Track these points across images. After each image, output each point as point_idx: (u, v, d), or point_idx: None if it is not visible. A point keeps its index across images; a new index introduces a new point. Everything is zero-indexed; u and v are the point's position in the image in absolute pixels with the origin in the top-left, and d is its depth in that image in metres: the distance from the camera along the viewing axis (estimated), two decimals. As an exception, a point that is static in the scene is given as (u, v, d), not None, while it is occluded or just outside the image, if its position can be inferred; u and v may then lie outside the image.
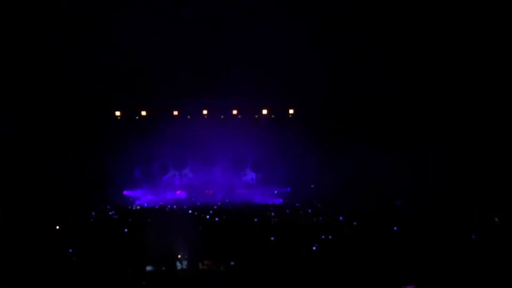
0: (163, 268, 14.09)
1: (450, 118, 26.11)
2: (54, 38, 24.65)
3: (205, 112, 32.52)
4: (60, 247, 15.35)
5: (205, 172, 34.19)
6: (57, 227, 19.34)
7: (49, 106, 27.07)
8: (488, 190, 22.33)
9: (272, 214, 23.40)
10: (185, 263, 14.50)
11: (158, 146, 32.05)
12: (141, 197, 31.97)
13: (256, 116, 33.03)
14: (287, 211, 25.33)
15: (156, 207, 28.18)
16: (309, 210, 25.09)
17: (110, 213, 24.86)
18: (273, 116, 33.01)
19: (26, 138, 26.37)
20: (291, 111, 32.57)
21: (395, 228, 18.25)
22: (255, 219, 21.32)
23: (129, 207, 29.41)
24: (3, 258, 13.65)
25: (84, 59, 26.21)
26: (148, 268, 14.07)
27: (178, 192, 33.56)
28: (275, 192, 32.23)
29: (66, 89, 27.20)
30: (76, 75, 26.37)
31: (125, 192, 31.35)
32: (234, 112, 32.71)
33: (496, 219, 18.40)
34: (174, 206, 27.33)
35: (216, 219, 21.65)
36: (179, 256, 14.51)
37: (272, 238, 16.87)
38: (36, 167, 26.44)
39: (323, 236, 17.08)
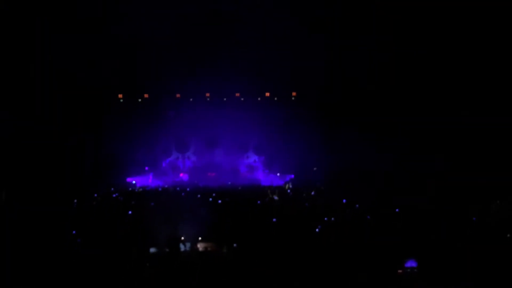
0: (167, 250, 14.19)
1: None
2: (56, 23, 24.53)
3: (207, 94, 32.42)
4: (64, 230, 15.45)
5: (208, 155, 34.22)
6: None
7: (47, 92, 27.02)
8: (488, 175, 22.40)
9: (275, 198, 23.50)
10: (188, 245, 14.60)
11: (161, 129, 32.05)
12: (144, 181, 32.04)
13: (259, 98, 32.92)
14: (290, 193, 25.44)
15: (159, 189, 28.29)
16: (312, 193, 25.19)
17: (114, 195, 24.99)
18: (275, 98, 32.89)
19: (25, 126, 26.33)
20: (294, 94, 32.43)
21: (396, 210, 18.34)
22: (258, 201, 21.42)
23: (131, 188, 29.56)
24: (10, 240, 13.75)
25: (86, 42, 26.05)
26: (152, 250, 14.18)
27: (181, 174, 33.63)
28: (278, 174, 32.27)
29: (68, 72, 27.05)
30: (78, 58, 26.20)
31: (128, 179, 31.37)
32: (237, 94, 32.59)
33: (496, 204, 18.42)
34: (177, 189, 27.43)
35: (219, 201, 21.73)
36: (183, 238, 14.61)
37: (274, 220, 16.96)
38: (38, 150, 26.44)
39: (325, 218, 17.18)
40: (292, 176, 32.15)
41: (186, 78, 29.91)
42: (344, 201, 21.41)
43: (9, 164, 24.15)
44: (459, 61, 25.45)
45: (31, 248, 12.77)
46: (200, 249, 14.70)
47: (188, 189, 26.73)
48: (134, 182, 31.30)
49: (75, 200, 21.96)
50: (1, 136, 24.45)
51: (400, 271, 10.70)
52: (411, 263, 10.57)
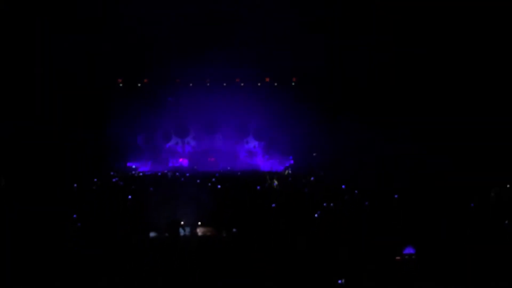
0: (166, 234, 14.26)
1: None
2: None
3: (207, 80, 32.31)
4: (65, 214, 15.50)
5: (208, 140, 34.22)
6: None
7: (47, 75, 26.96)
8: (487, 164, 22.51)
9: (275, 183, 23.53)
10: (187, 229, 14.67)
11: (161, 114, 31.99)
12: (144, 166, 32.06)
13: (259, 84, 32.81)
14: (290, 179, 25.49)
15: (159, 174, 28.32)
16: (311, 178, 25.24)
17: (114, 180, 25.03)
18: (275, 84, 32.80)
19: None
20: (293, 79, 32.34)
21: (395, 196, 18.38)
22: (257, 187, 21.46)
23: (132, 172, 29.61)
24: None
25: (86, 26, 25.91)
26: (152, 234, 14.25)
27: (180, 159, 33.65)
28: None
29: (66, 55, 26.92)
30: (77, 41, 26.07)
31: (129, 164, 31.37)
32: (237, 80, 32.47)
33: (492, 193, 18.44)
34: (177, 173, 27.47)
35: (219, 186, 21.77)
36: (182, 223, 14.67)
37: (273, 205, 17.00)
38: (37, 135, 26.43)
39: (324, 204, 17.23)
40: (292, 161, 32.21)
41: (186, 64, 29.80)
42: (343, 187, 21.47)
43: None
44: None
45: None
46: (200, 233, 14.78)
47: (187, 174, 26.77)
48: (134, 166, 31.34)
49: (75, 185, 22.00)
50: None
51: (398, 257, 10.75)
52: (409, 250, 10.61)
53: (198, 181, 23.54)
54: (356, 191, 19.97)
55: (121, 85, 31.89)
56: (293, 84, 32.62)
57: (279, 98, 31.41)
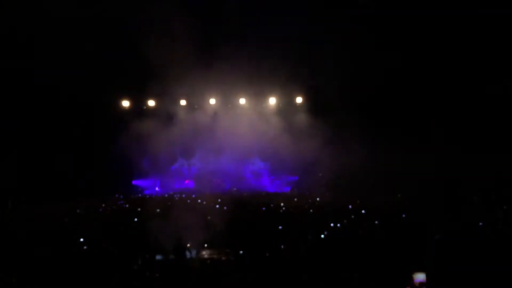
0: (172, 257, 14.17)
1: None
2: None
3: (212, 101, 32.46)
4: (70, 236, 15.49)
5: (213, 161, 34.28)
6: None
7: (53, 95, 27.17)
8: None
9: (281, 204, 23.45)
10: (194, 252, 14.58)
11: (166, 136, 32.10)
12: (150, 186, 32.13)
13: (264, 104, 32.97)
14: (295, 199, 25.41)
15: (165, 196, 28.35)
16: (317, 199, 25.16)
17: (120, 202, 25.04)
18: (280, 104, 32.95)
19: (29, 128, 26.45)
20: (298, 100, 32.47)
21: (403, 215, 18.27)
22: (263, 208, 21.39)
23: (138, 195, 29.65)
24: (13, 250, 13.79)
25: (88, 48, 26.08)
26: (158, 257, 14.16)
27: (186, 181, 33.69)
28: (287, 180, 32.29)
29: (72, 78, 27.12)
30: (82, 63, 26.27)
31: (134, 182, 31.49)
32: (242, 100, 32.63)
33: (501, 212, 18.28)
34: (183, 195, 27.47)
35: (225, 208, 21.74)
36: (188, 245, 14.59)
37: (280, 227, 16.91)
38: (43, 158, 26.57)
39: (331, 224, 17.12)
40: (296, 177, 32.18)
41: (191, 84, 29.97)
42: (350, 207, 21.38)
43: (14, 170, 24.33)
44: (464, 64, 25.47)
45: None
46: (206, 256, 14.67)
47: (193, 196, 26.76)
48: (140, 187, 31.42)
49: (78, 211, 22.02)
50: (4, 140, 24.66)
51: (408, 287, 10.47)
52: (420, 279, 10.29)
53: (204, 202, 23.52)
54: (363, 211, 19.88)
55: (126, 107, 32.12)
56: (297, 103, 32.77)
57: (284, 118, 31.54)
